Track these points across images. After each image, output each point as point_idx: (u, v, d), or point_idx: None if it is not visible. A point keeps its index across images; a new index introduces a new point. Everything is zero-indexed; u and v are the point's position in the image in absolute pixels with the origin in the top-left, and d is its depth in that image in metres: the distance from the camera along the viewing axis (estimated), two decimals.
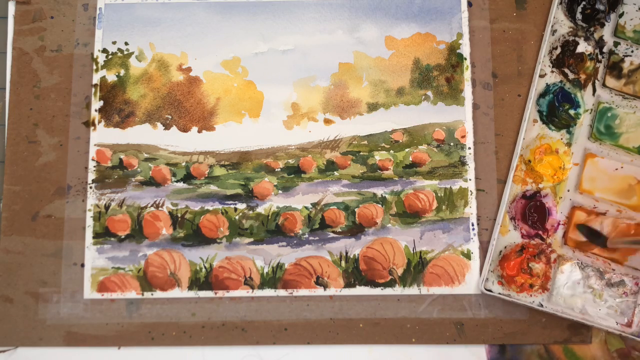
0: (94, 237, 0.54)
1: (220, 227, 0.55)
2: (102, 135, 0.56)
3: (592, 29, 0.56)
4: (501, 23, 0.57)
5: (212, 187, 0.55)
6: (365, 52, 0.57)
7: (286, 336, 0.53)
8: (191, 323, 0.53)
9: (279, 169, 0.56)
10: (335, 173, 0.56)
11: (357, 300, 0.53)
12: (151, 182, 0.55)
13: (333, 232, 0.55)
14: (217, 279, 0.54)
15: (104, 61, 0.56)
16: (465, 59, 0.57)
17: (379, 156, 0.56)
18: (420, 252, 0.54)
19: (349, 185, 0.55)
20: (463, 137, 0.56)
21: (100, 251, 0.54)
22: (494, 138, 0.56)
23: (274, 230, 0.55)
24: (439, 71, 0.57)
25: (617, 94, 0.55)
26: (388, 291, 0.53)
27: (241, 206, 0.55)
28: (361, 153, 0.56)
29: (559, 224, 0.54)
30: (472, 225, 0.54)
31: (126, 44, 0.57)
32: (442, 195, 0.55)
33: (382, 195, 0.55)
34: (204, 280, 0.54)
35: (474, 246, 0.54)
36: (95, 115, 0.56)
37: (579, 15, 0.57)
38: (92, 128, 0.56)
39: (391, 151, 0.56)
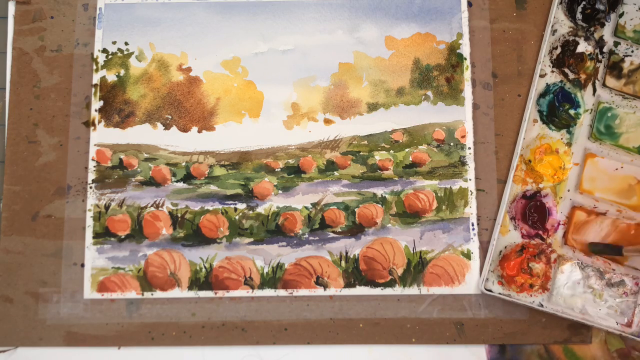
0: (94, 237, 0.54)
1: (220, 227, 0.55)
2: (102, 135, 0.56)
3: (592, 28, 0.56)
4: (501, 23, 0.57)
5: (212, 187, 0.55)
6: (365, 52, 0.57)
7: (286, 336, 0.53)
8: (191, 323, 0.53)
9: (279, 169, 0.56)
10: (335, 173, 0.56)
11: (357, 300, 0.53)
12: (151, 182, 0.55)
13: (333, 232, 0.55)
14: (217, 279, 0.54)
15: (104, 61, 0.56)
16: (465, 59, 0.57)
17: (379, 156, 0.56)
18: (420, 252, 0.54)
19: (349, 185, 0.55)
20: (463, 137, 0.56)
21: (100, 251, 0.54)
22: (494, 138, 0.56)
23: (274, 230, 0.55)
24: (439, 71, 0.57)
25: (617, 93, 0.55)
26: (388, 291, 0.53)
27: (241, 206, 0.55)
28: (361, 153, 0.56)
29: (559, 224, 0.54)
30: (472, 225, 0.54)
31: (126, 44, 0.57)
32: (442, 195, 0.55)
33: (382, 195, 0.55)
34: (204, 280, 0.54)
35: (474, 246, 0.54)
36: (95, 115, 0.56)
37: (579, 15, 0.57)
38: (92, 128, 0.56)
39: (391, 151, 0.56)
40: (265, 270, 0.54)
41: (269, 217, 0.55)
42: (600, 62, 0.56)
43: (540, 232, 0.54)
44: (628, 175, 0.54)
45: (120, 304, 0.53)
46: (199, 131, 0.56)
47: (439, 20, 0.57)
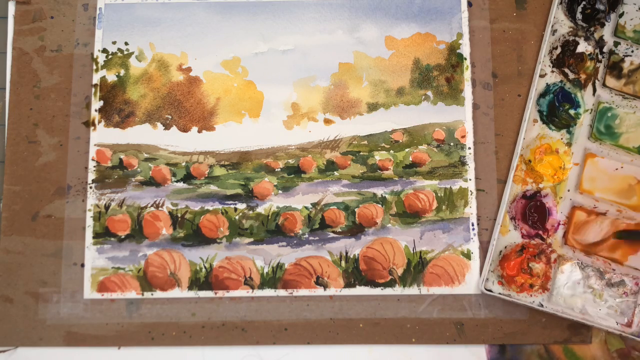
0: (94, 237, 0.54)
1: (220, 227, 0.55)
2: (102, 135, 0.56)
3: (592, 28, 0.56)
4: (501, 23, 0.57)
5: (212, 187, 0.55)
6: (365, 52, 0.57)
7: (286, 336, 0.53)
8: (191, 323, 0.53)
9: (279, 169, 0.56)
10: (335, 173, 0.56)
11: (357, 300, 0.53)
12: (151, 182, 0.55)
13: (333, 232, 0.55)
14: (217, 279, 0.54)
15: (104, 61, 0.56)
16: (465, 59, 0.57)
17: (379, 156, 0.56)
18: (420, 252, 0.54)
19: (349, 185, 0.55)
20: (463, 137, 0.56)
21: (100, 251, 0.54)
22: (494, 138, 0.56)
23: (274, 230, 0.55)
24: (439, 71, 0.57)
25: (617, 93, 0.55)
26: (388, 291, 0.53)
27: (241, 206, 0.55)
28: (361, 153, 0.56)
29: (559, 224, 0.54)
30: (472, 225, 0.54)
31: (126, 44, 0.57)
32: (442, 195, 0.55)
33: (382, 195, 0.55)
34: (204, 280, 0.54)
35: (474, 246, 0.54)
36: (95, 115, 0.56)
37: (579, 15, 0.57)
38: (92, 128, 0.56)
39: (391, 151, 0.56)
40: (265, 270, 0.54)
41: (269, 217, 0.55)
42: (600, 62, 0.56)
43: (540, 232, 0.54)
44: (628, 175, 0.54)
45: (120, 304, 0.53)
46: (199, 131, 0.56)
47: (439, 20, 0.57)
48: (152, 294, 0.53)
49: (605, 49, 0.56)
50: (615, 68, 0.55)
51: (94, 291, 0.53)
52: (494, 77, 0.56)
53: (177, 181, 0.55)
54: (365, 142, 0.56)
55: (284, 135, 0.56)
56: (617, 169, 0.54)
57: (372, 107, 0.56)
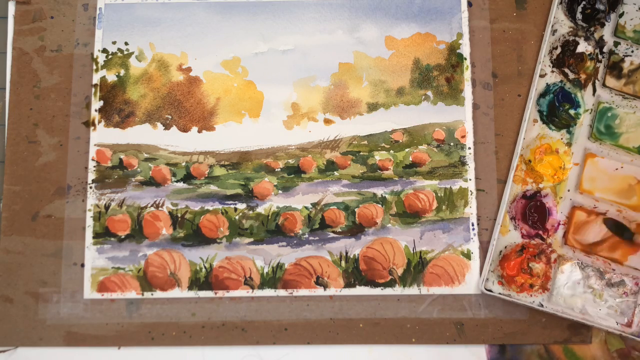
0: (94, 237, 0.54)
1: (220, 227, 0.55)
2: (102, 135, 0.56)
3: (592, 28, 0.56)
4: (501, 23, 0.57)
5: (212, 187, 0.55)
6: (365, 52, 0.57)
7: (286, 336, 0.53)
8: (191, 323, 0.53)
9: (279, 169, 0.56)
10: (335, 173, 0.56)
11: (357, 300, 0.53)
12: (151, 182, 0.55)
13: (333, 232, 0.55)
14: (217, 279, 0.54)
15: (104, 61, 0.56)
16: (465, 59, 0.57)
17: (379, 156, 0.56)
18: (420, 252, 0.54)
19: (349, 185, 0.55)
20: (463, 137, 0.56)
21: (100, 251, 0.54)
22: (494, 138, 0.56)
23: (274, 230, 0.55)
24: (439, 71, 0.57)
25: (617, 93, 0.55)
26: (388, 291, 0.53)
27: (241, 206, 0.55)
28: (361, 153, 0.56)
29: (559, 224, 0.54)
30: (472, 225, 0.54)
31: (126, 44, 0.57)
32: (442, 195, 0.55)
33: (382, 195, 0.55)
34: (204, 280, 0.54)
35: (474, 246, 0.54)
36: (95, 115, 0.56)
37: (579, 15, 0.57)
38: (92, 128, 0.56)
39: (391, 151, 0.56)
40: (265, 270, 0.54)
41: (269, 217, 0.55)
42: (600, 62, 0.56)
43: (540, 232, 0.54)
44: (628, 175, 0.54)
45: (120, 304, 0.53)
46: (199, 131, 0.56)
47: (439, 20, 0.57)
48: (152, 294, 0.53)
49: (605, 49, 0.56)
50: (615, 68, 0.55)
51: (94, 291, 0.53)
52: (494, 77, 0.56)
53: (177, 181, 0.55)
54: (365, 142, 0.56)
55: (284, 135, 0.56)
56: (617, 169, 0.54)
57: (372, 107, 0.56)
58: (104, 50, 0.57)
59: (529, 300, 0.52)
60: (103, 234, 0.54)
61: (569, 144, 0.55)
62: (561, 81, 0.56)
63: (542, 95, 0.56)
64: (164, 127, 0.56)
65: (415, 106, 0.56)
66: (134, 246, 0.54)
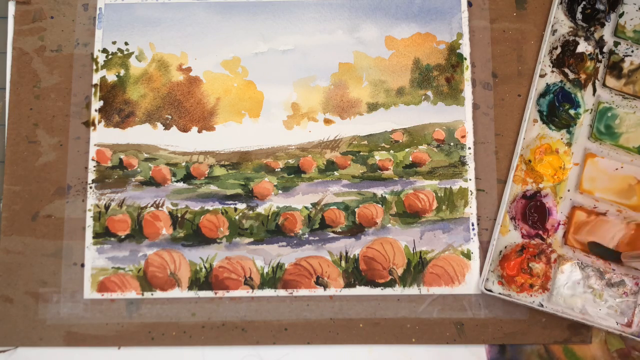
0: (94, 237, 0.54)
1: (220, 227, 0.55)
2: (102, 135, 0.56)
3: (592, 28, 0.56)
4: (501, 23, 0.57)
5: (212, 187, 0.55)
6: (365, 52, 0.57)
7: (286, 336, 0.53)
8: (191, 323, 0.53)
9: (279, 169, 0.56)
10: (335, 173, 0.56)
11: (357, 300, 0.53)
12: (151, 182, 0.55)
13: (333, 232, 0.55)
14: (217, 279, 0.54)
15: (104, 61, 0.56)
16: (465, 59, 0.57)
17: (379, 156, 0.56)
18: (420, 252, 0.54)
19: (349, 185, 0.55)
20: (463, 137, 0.56)
21: (100, 251, 0.54)
22: (494, 138, 0.56)
23: (274, 230, 0.55)
24: (439, 71, 0.57)
25: (617, 93, 0.55)
26: (388, 291, 0.53)
27: (241, 206, 0.55)
28: (361, 153, 0.56)
29: (559, 224, 0.54)
30: (472, 225, 0.54)
31: (126, 44, 0.57)
32: (442, 195, 0.55)
33: (382, 195, 0.55)
34: (204, 280, 0.54)
35: (474, 246, 0.54)
36: (95, 115, 0.56)
37: (579, 15, 0.57)
38: (92, 128, 0.56)
39: (391, 151, 0.56)
40: (265, 270, 0.54)
41: (269, 217, 0.55)
42: (600, 62, 0.56)
43: (540, 232, 0.54)
44: (628, 175, 0.54)
45: (120, 304, 0.53)
46: (199, 131, 0.56)
47: (439, 20, 0.57)
48: (152, 294, 0.53)
49: (605, 49, 0.56)
50: (615, 68, 0.55)
51: (94, 291, 0.53)
52: (494, 77, 0.56)
53: (177, 181, 0.55)
54: (365, 142, 0.56)
55: (284, 135, 0.56)
56: (617, 169, 0.54)
57: (372, 107, 0.56)
58: (104, 50, 0.57)
59: (529, 300, 0.52)
60: (103, 234, 0.54)
61: (569, 144, 0.55)
62: (561, 81, 0.56)
63: (542, 95, 0.56)
64: (164, 127, 0.56)
65: (415, 106, 0.56)
66: (134, 246, 0.54)
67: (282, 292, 0.53)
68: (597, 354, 0.53)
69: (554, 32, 0.56)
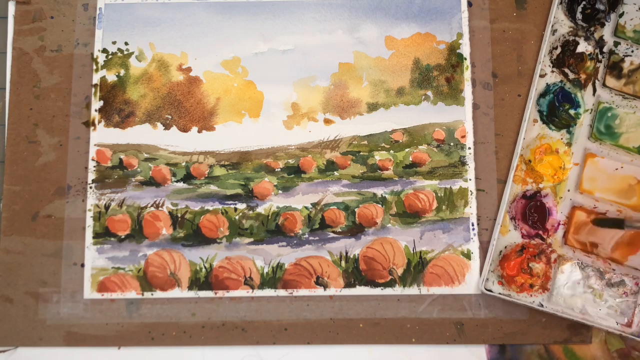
0: (94, 237, 0.54)
1: (220, 227, 0.55)
2: (102, 135, 0.56)
3: (592, 28, 0.56)
4: (501, 23, 0.57)
5: (212, 187, 0.55)
6: (365, 52, 0.57)
7: (286, 336, 0.53)
8: (191, 323, 0.53)
9: (279, 169, 0.56)
10: (335, 173, 0.56)
11: (357, 300, 0.53)
12: (151, 182, 0.55)
13: (333, 232, 0.55)
14: (217, 279, 0.54)
15: (104, 61, 0.56)
16: (465, 59, 0.57)
17: (379, 156, 0.56)
18: (420, 252, 0.54)
19: (349, 185, 0.55)
20: (463, 137, 0.56)
21: (100, 251, 0.54)
22: (494, 138, 0.56)
23: (274, 230, 0.55)
24: (439, 71, 0.57)
25: (617, 93, 0.55)
26: (388, 291, 0.53)
27: (241, 206, 0.55)
28: (361, 153, 0.56)
29: (559, 224, 0.54)
30: (472, 225, 0.54)
31: (126, 44, 0.57)
32: (442, 195, 0.55)
33: (382, 195, 0.55)
34: (204, 280, 0.54)
35: (474, 246, 0.54)
36: (95, 115, 0.56)
37: (579, 15, 0.57)
38: (92, 128, 0.56)
39: (391, 151, 0.56)
40: (265, 270, 0.54)
41: (269, 217, 0.55)
42: (600, 62, 0.56)
43: (540, 232, 0.54)
44: (628, 175, 0.54)
45: (120, 304, 0.53)
46: (199, 131, 0.56)
47: (439, 20, 0.57)
48: (152, 294, 0.53)
49: (605, 49, 0.56)
50: (615, 68, 0.55)
51: (94, 291, 0.53)
52: (494, 77, 0.56)
53: (177, 181, 0.55)
54: (365, 142, 0.56)
55: (284, 135, 0.56)
56: (617, 169, 0.54)
57: (372, 107, 0.56)
58: (104, 50, 0.57)
59: (529, 300, 0.52)
60: (103, 234, 0.54)
61: (569, 144, 0.55)
62: (561, 81, 0.56)
63: (542, 95, 0.56)
64: (164, 127, 0.56)
65: (415, 106, 0.56)
66: (134, 246, 0.54)
67: (282, 292, 0.53)
68: (597, 354, 0.53)
69: (554, 32, 0.56)
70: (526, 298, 0.52)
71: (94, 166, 0.55)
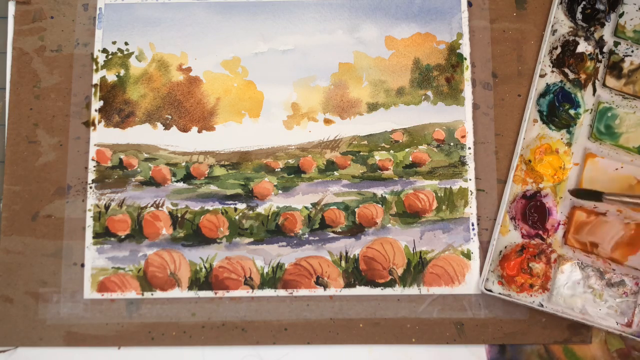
0: (94, 237, 0.54)
1: (220, 227, 0.55)
2: (102, 135, 0.56)
3: (592, 28, 0.56)
4: (501, 23, 0.57)
5: (212, 187, 0.55)
6: (365, 52, 0.57)
7: (286, 336, 0.53)
8: (191, 323, 0.53)
9: (279, 169, 0.56)
10: (335, 173, 0.56)
11: (357, 300, 0.53)
12: (151, 182, 0.55)
13: (333, 232, 0.55)
14: (217, 279, 0.54)
15: (104, 61, 0.56)
16: (465, 59, 0.57)
17: (379, 156, 0.56)
18: (420, 252, 0.54)
19: (349, 185, 0.55)
20: (463, 137, 0.56)
21: (100, 251, 0.54)
22: (494, 138, 0.56)
23: (274, 230, 0.55)
24: (439, 71, 0.57)
25: (617, 93, 0.55)
26: (388, 291, 0.53)
27: (241, 206, 0.55)
28: (361, 153, 0.56)
29: (559, 224, 0.54)
30: (472, 225, 0.54)
31: (126, 44, 0.57)
32: (442, 195, 0.55)
33: (382, 195, 0.55)
34: (204, 280, 0.54)
35: (474, 246, 0.54)
36: (95, 115, 0.56)
37: (579, 15, 0.57)
38: (92, 128, 0.56)
39: (391, 151, 0.56)
40: (265, 270, 0.54)
41: (269, 217, 0.55)
42: (600, 62, 0.56)
43: (540, 232, 0.54)
44: (628, 175, 0.54)
45: (120, 304, 0.53)
46: (199, 131, 0.56)
47: (439, 20, 0.57)
48: (152, 294, 0.53)
49: (605, 49, 0.56)
50: (615, 68, 0.55)
51: (94, 291, 0.53)
52: (494, 77, 0.56)
53: (177, 181, 0.55)
54: (365, 142, 0.56)
55: (284, 135, 0.56)
56: (617, 169, 0.54)
57: (372, 107, 0.56)
58: (104, 50, 0.57)
59: (529, 300, 0.52)
60: (103, 234, 0.54)
61: (569, 144, 0.55)
62: (561, 81, 0.56)
63: (542, 95, 0.56)
64: (164, 127, 0.56)
65: (415, 106, 0.56)
66: (134, 246, 0.54)
67: (282, 292, 0.53)
68: (597, 354, 0.53)
69: (554, 32, 0.56)
70: (526, 298, 0.52)
71: (94, 166, 0.55)
